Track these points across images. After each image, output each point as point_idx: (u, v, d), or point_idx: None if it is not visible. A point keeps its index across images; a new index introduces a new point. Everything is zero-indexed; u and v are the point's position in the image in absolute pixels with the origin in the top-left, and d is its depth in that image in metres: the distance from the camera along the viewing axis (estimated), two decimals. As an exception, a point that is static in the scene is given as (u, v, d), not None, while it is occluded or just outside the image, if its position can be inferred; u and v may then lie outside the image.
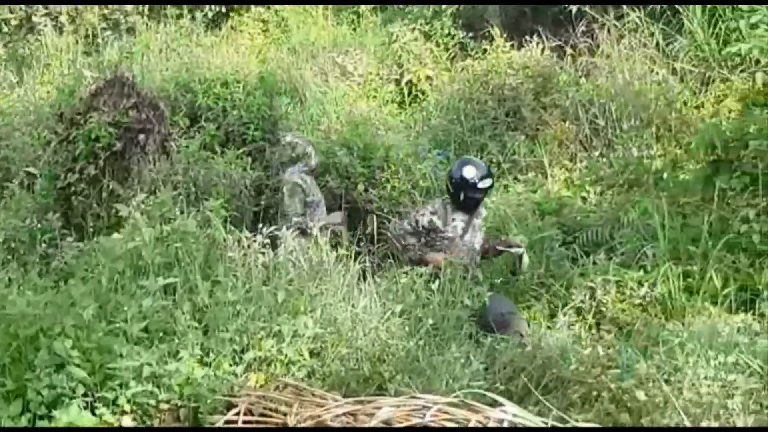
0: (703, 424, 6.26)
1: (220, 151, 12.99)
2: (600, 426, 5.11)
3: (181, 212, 9.57)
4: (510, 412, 4.98)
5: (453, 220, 9.83)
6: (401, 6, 18.85)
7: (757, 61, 11.67)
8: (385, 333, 8.52)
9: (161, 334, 7.55)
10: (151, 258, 8.48)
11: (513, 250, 9.83)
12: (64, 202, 12.37)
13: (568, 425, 4.94)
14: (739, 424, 6.28)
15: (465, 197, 9.72)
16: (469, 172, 9.65)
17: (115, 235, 9.07)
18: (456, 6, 17.57)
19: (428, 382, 7.73)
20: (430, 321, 8.91)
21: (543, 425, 4.94)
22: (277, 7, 20.17)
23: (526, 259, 9.86)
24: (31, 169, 13.14)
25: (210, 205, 9.91)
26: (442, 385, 7.61)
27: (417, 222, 10.01)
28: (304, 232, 10.89)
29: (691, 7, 13.78)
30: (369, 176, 12.76)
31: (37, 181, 12.97)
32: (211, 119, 13.95)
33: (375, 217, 12.05)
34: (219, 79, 14.61)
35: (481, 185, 9.64)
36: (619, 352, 7.65)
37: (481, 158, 13.18)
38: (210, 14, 19.59)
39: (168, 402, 6.69)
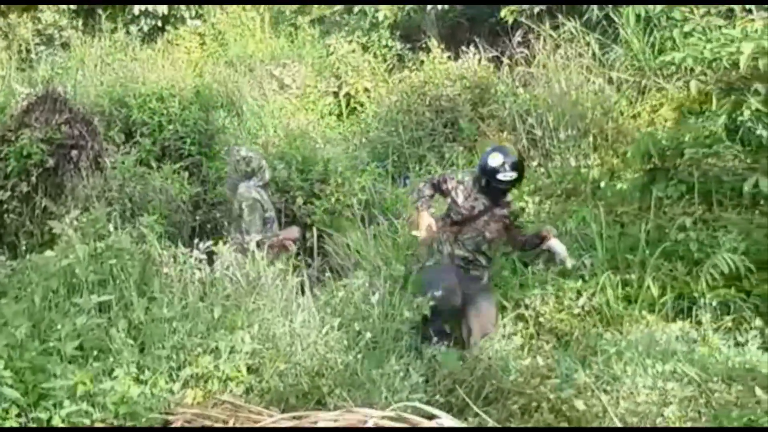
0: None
1: (156, 166, 12.96)
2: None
3: (116, 228, 9.48)
4: (446, 425, 4.98)
5: (475, 199, 9.31)
6: (339, 18, 18.86)
7: (692, 70, 11.75)
8: (324, 347, 8.50)
9: (96, 352, 7.46)
10: (85, 275, 8.41)
11: (551, 248, 9.57)
12: (-5, 220, 12.21)
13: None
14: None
15: (488, 184, 9.20)
16: (494, 161, 9.11)
17: (49, 253, 8.99)
18: (393, 17, 17.61)
19: (367, 395, 7.71)
20: (369, 334, 8.89)
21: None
22: (214, 19, 20.15)
23: (561, 249, 9.57)
24: (-40, 186, 12.97)
25: (145, 221, 9.86)
26: (381, 398, 7.60)
27: (444, 180, 9.54)
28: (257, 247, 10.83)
29: (626, 16, 13.88)
30: (308, 189, 12.75)
31: (-32, 200, 12.78)
32: (146, 134, 13.92)
33: (315, 230, 12.06)
34: (154, 94, 14.57)
35: (501, 176, 9.06)
36: (558, 362, 7.69)
37: (420, 170, 13.19)
38: (146, 28, 19.52)
39: (103, 421, 6.61)
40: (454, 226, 9.32)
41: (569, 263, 9.59)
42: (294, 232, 11.04)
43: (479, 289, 9.33)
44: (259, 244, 10.18)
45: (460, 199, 9.34)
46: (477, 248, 9.34)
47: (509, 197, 9.56)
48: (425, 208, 9.46)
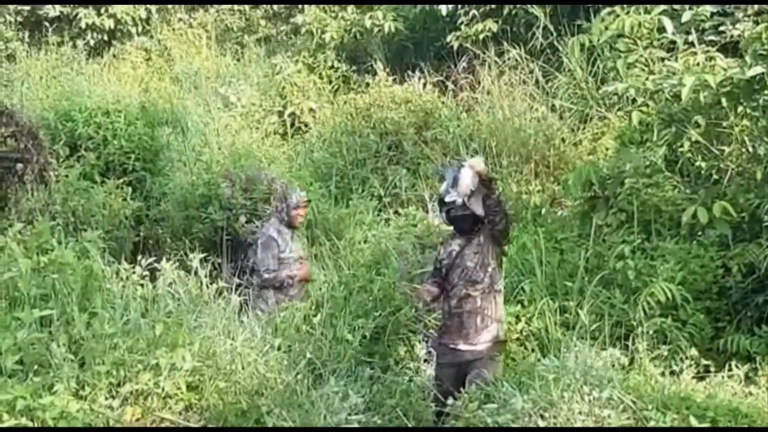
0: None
1: (100, 181, 12.94)
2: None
3: (59, 243, 9.49)
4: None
5: (450, 245, 8.64)
6: (285, 38, 18.88)
7: (634, 100, 11.85)
8: (264, 367, 8.51)
9: (36, 367, 7.44)
10: (27, 289, 8.38)
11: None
12: (-63, 232, 12.10)
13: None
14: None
15: (447, 216, 8.54)
16: (442, 186, 8.50)
17: (-10, 266, 8.94)
18: (340, 39, 17.65)
19: (306, 415, 7.72)
20: (309, 355, 8.91)
21: None
22: (160, 36, 20.12)
23: (465, 177, 8.24)
24: None
25: (88, 236, 9.83)
26: (320, 419, 7.61)
27: (435, 258, 8.92)
28: (277, 288, 10.75)
29: (570, 45, 13.99)
30: (251, 208, 12.74)
31: None
32: (91, 148, 13.90)
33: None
34: (100, 108, 14.56)
35: (447, 198, 8.34)
36: (496, 386, 7.73)
37: (362, 191, 13.22)
38: (92, 42, 19.45)
39: (41, 436, 6.59)
40: (446, 281, 8.59)
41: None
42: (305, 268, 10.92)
43: (477, 358, 8.40)
44: (291, 279, 10.27)
45: (440, 255, 8.75)
46: (467, 282, 8.42)
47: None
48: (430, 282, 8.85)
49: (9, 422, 6.52)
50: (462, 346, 8.40)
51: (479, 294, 8.40)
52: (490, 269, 8.43)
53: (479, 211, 8.34)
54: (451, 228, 8.84)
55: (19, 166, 12.56)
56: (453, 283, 8.51)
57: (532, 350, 9.09)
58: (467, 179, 8.24)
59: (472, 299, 8.39)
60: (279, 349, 8.96)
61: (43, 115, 14.38)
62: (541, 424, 6.71)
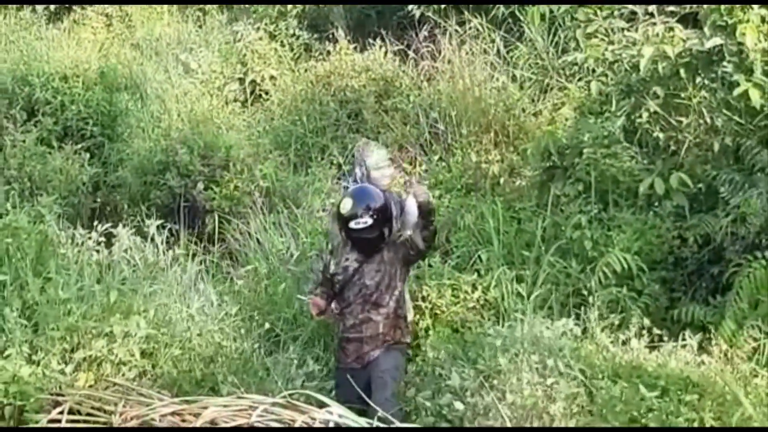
0: (524, 425, 6.42)
1: (57, 146, 12.89)
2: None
3: (14, 207, 9.46)
4: (336, 413, 5.05)
5: (346, 260, 8.07)
6: (247, 5, 18.77)
7: (593, 71, 11.88)
8: (220, 334, 8.53)
9: (-12, 331, 7.45)
10: (-21, 253, 8.37)
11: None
12: None
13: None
14: (560, 424, 6.45)
15: (346, 234, 7.99)
16: (344, 207, 7.89)
17: (-56, 230, 8.92)
18: (301, 6, 17.57)
19: (261, 383, 7.75)
20: (267, 324, 8.94)
21: (367, 425, 5.01)
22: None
23: (410, 212, 7.94)
24: None
25: (44, 201, 9.81)
26: (276, 386, 7.63)
27: (322, 267, 8.44)
28: None
29: (531, 15, 13.97)
30: (209, 175, 12.73)
31: None
32: (48, 113, 13.83)
33: (216, 216, 12.08)
34: (58, 73, 14.51)
35: (353, 224, 7.83)
36: (444, 359, 7.80)
37: (322, 159, 13.21)
38: (52, 7, 19.29)
39: (-7, 399, 6.59)
40: (340, 296, 8.11)
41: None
42: None
43: (379, 359, 7.91)
44: None
45: (332, 267, 8.20)
46: (366, 302, 7.96)
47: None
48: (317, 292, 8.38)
49: (-40, 385, 6.53)
50: (360, 368, 7.86)
51: (382, 319, 7.91)
52: (396, 293, 7.98)
53: (419, 243, 7.99)
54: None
55: (-26, 129, 12.58)
56: (348, 301, 8.02)
57: (488, 319, 9.11)
58: (413, 212, 7.94)
59: (374, 324, 7.89)
60: (236, 316, 8.99)
61: (0, 79, 14.27)
62: (490, 395, 6.75)
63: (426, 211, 7.89)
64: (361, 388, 7.26)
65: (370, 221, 7.76)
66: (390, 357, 7.88)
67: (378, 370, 7.74)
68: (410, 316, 8.52)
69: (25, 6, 18.59)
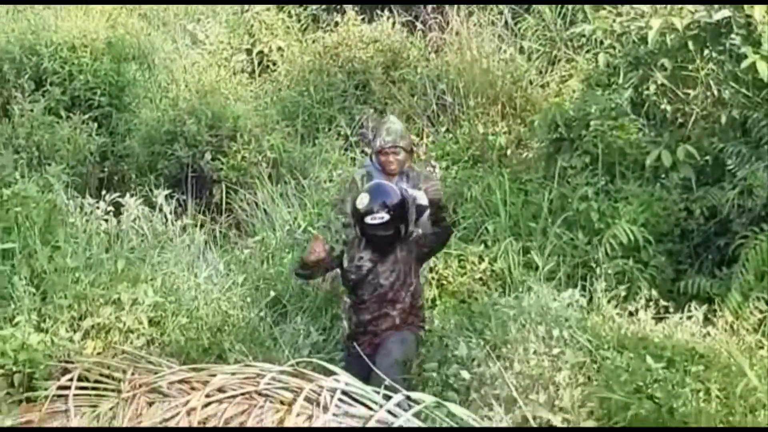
0: (533, 396, 6.43)
1: (65, 116, 12.89)
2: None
3: (22, 176, 9.48)
4: (343, 381, 5.06)
5: (360, 259, 7.84)
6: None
7: (601, 43, 11.89)
8: (227, 303, 8.56)
9: (-2, 299, 7.48)
10: (-11, 222, 8.40)
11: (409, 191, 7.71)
12: None
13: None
14: (567, 396, 6.46)
15: (362, 232, 7.78)
16: (361, 202, 7.66)
17: (-48, 199, 8.95)
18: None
19: (268, 352, 7.77)
20: (272, 293, 8.96)
21: (375, 394, 5.02)
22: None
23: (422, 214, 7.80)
24: None
25: (52, 170, 9.84)
26: (282, 356, 7.65)
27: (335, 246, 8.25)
28: None
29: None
30: (217, 145, 12.74)
31: None
32: (56, 83, 13.82)
33: (223, 186, 12.10)
34: (66, 43, 14.46)
35: (369, 220, 7.61)
36: (451, 329, 7.81)
37: (329, 130, 13.21)
38: (60, -24, 19.25)
39: (2, 367, 6.61)
40: (353, 293, 7.94)
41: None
42: None
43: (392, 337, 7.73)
44: None
45: (346, 263, 7.96)
46: (382, 300, 7.78)
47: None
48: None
49: (-32, 351, 6.56)
50: (370, 351, 7.49)
51: (398, 314, 7.77)
52: (411, 288, 7.83)
53: (431, 240, 7.99)
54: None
55: (-18, 98, 12.64)
56: (363, 299, 7.85)
57: (495, 290, 9.13)
58: (424, 211, 7.86)
59: (390, 318, 7.76)
60: (243, 286, 9.02)
61: (8, 48, 14.25)
62: (497, 365, 6.76)
63: (436, 208, 7.90)
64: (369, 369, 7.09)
65: (386, 217, 7.58)
66: (399, 333, 7.78)
67: (387, 341, 7.66)
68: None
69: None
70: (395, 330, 7.73)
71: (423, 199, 7.53)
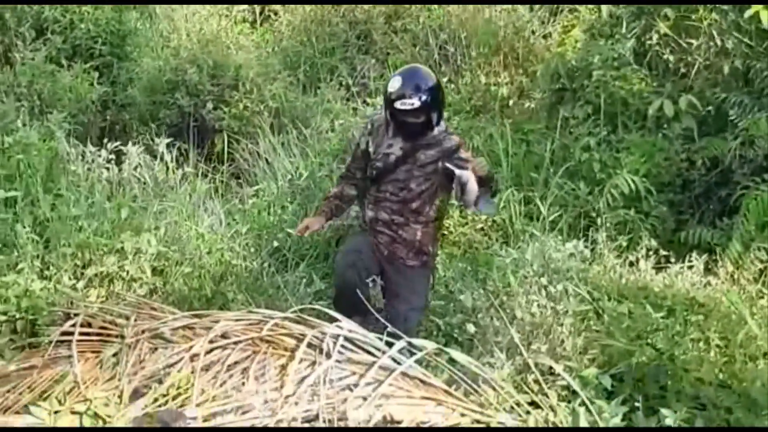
0: (535, 344, 6.47)
1: (66, 65, 12.85)
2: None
3: (24, 124, 9.47)
4: (346, 328, 5.08)
5: (389, 146, 7.06)
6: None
7: (604, -8, 11.93)
8: (229, 253, 8.58)
9: (0, 247, 7.49)
10: (-9, 169, 8.43)
11: (457, 172, 6.71)
12: None
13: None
14: (569, 344, 6.50)
15: (393, 118, 6.97)
16: (392, 86, 6.93)
17: (-45, 146, 8.98)
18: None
19: (271, 301, 7.80)
20: (275, 243, 8.98)
21: (377, 340, 5.04)
22: None
23: (471, 191, 6.71)
24: None
25: (54, 118, 9.84)
26: (285, 304, 7.66)
27: (356, 145, 7.41)
28: None
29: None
30: (218, 95, 12.74)
31: None
32: (57, 32, 13.74)
33: (225, 135, 12.10)
34: (67, -9, 14.39)
35: (399, 105, 6.84)
36: (454, 279, 7.83)
37: (331, 80, 13.20)
38: (60, -76, 19.15)
39: (5, 313, 6.63)
40: (374, 185, 7.12)
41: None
42: None
43: (405, 270, 7.12)
44: None
45: (372, 151, 7.16)
46: (405, 206, 7.03)
47: (438, 131, 7.05)
48: (331, 205, 7.36)
49: (-29, 297, 6.59)
50: (387, 254, 7.06)
51: (421, 227, 7.06)
52: (436, 203, 7.08)
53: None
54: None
55: (-17, 46, 12.66)
56: (384, 194, 7.09)
57: (496, 240, 9.15)
58: (473, 190, 6.74)
59: (412, 230, 7.04)
60: (245, 235, 9.04)
61: (9, -4, 14.26)
62: (496, 321, 6.79)
63: (487, 180, 7.03)
64: (376, 272, 6.99)
65: (417, 103, 6.82)
66: (425, 275, 7.24)
67: (411, 284, 7.10)
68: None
69: None
70: (417, 253, 7.09)
71: (473, 184, 6.97)
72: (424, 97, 6.79)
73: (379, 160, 7.05)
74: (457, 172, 6.59)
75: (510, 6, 13.80)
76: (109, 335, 5.47)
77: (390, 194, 6.99)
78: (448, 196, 7.04)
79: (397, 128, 7.00)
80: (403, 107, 6.82)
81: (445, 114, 11.10)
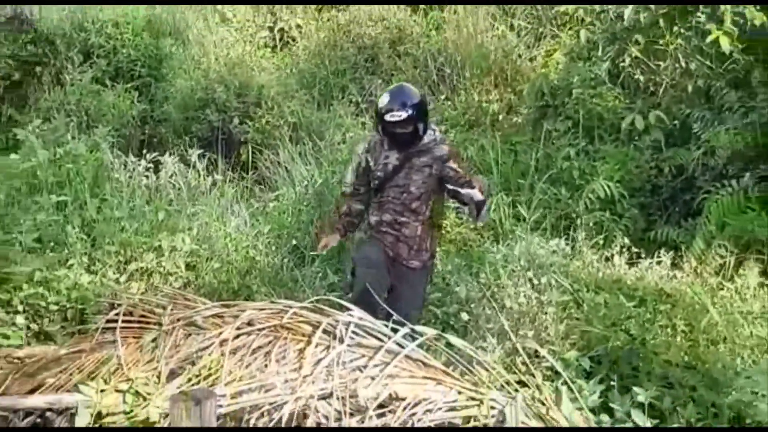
0: (522, 330, 6.47)
1: (110, 85, 12.91)
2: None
3: (73, 137, 9.52)
4: (356, 316, 5.09)
5: (386, 157, 7.03)
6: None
7: (582, 20, 11.94)
8: (253, 250, 8.60)
9: (53, 245, 7.53)
10: (45, 177, 8.51)
11: (464, 191, 6.58)
12: (-35, 126, 12.35)
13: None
14: (552, 330, 6.50)
15: (384, 131, 6.96)
16: (381, 101, 6.95)
17: (13, 156, 9.04)
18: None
19: (290, 292, 7.79)
20: (293, 241, 8.99)
21: (384, 327, 5.05)
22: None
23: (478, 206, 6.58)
24: (-65, 97, 13.07)
25: (99, 132, 9.89)
26: (303, 295, 7.66)
27: (358, 163, 7.30)
28: None
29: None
30: (243, 111, 12.74)
31: (-58, 109, 12.92)
32: (102, 56, 13.83)
33: (249, 146, 12.12)
34: (111, 21, 14.45)
35: (388, 117, 6.80)
36: (451, 272, 7.83)
37: (342, 98, 13.19)
38: (104, -39, 19.19)
39: (57, 304, 6.66)
40: (377, 193, 7.09)
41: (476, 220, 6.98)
42: None
43: (408, 273, 6.97)
44: None
45: (372, 164, 7.11)
46: (406, 207, 6.97)
47: (429, 139, 7.00)
48: (336, 221, 7.36)
49: (28, 291, 6.59)
50: (392, 255, 6.95)
51: (420, 224, 6.96)
52: (431, 203, 7.00)
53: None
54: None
55: (38, 69, 12.71)
56: (388, 199, 7.04)
57: (488, 238, 9.15)
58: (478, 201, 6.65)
59: (413, 227, 6.96)
60: (267, 235, 9.05)
61: (60, 25, 14.25)
62: (488, 310, 6.80)
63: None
64: (389, 282, 6.83)
65: (404, 115, 6.78)
66: (425, 276, 7.12)
67: (411, 285, 6.97)
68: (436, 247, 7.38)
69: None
70: (418, 250, 6.97)
71: (478, 195, 6.91)
72: (410, 110, 6.77)
73: (380, 170, 7.01)
74: (463, 191, 6.50)
75: (499, 32, 13.82)
76: (148, 323, 5.48)
77: (392, 198, 6.94)
78: (441, 198, 7.00)
79: (390, 140, 6.99)
80: (392, 119, 6.79)
81: (443, 127, 11.24)
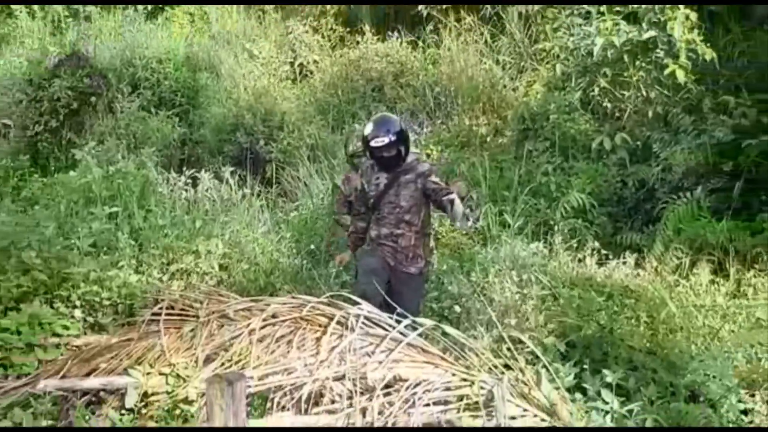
0: (507, 320, 6.46)
1: (154, 112, 12.94)
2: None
3: (123, 157, 9.55)
4: (365, 309, 5.09)
5: (377, 178, 6.94)
6: (296, 6, 18.61)
7: (558, 56, 11.96)
8: (277, 253, 8.59)
9: (106, 249, 7.54)
10: (99, 191, 8.55)
11: (445, 198, 6.39)
12: (32, 147, 12.69)
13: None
14: (533, 320, 6.50)
15: (371, 156, 6.90)
16: (366, 129, 6.94)
17: (72, 173, 9.15)
18: (338, 7, 17.44)
19: (308, 289, 7.78)
20: (312, 246, 8.97)
21: (389, 319, 5.04)
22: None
23: (458, 207, 6.40)
24: (6, 121, 13.13)
25: (145, 152, 9.90)
26: (319, 291, 7.64)
27: (347, 180, 7.85)
28: None
29: (510, 14, 14.02)
30: (268, 134, 12.74)
31: (11, 131, 13.17)
32: (147, 87, 13.88)
33: (273, 164, 12.14)
34: (155, 57, 14.51)
35: (372, 143, 6.75)
36: (445, 272, 7.82)
37: (353, 122, 13.18)
38: (149, 6, 19.22)
39: (109, 299, 6.66)
40: (374, 211, 6.99)
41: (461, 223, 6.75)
42: None
43: (407, 278, 6.85)
44: None
45: (366, 185, 7.08)
46: (400, 220, 6.86)
47: (411, 159, 6.93)
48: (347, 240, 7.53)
49: (85, 288, 6.59)
50: (393, 264, 6.83)
51: (413, 234, 6.84)
52: (422, 215, 6.88)
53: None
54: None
55: (93, 98, 12.80)
56: (383, 214, 6.95)
57: (477, 242, 9.13)
58: (460, 208, 6.49)
59: (407, 237, 6.86)
60: (289, 240, 9.05)
61: (111, 61, 14.33)
62: (477, 304, 6.80)
63: (464, 199, 6.68)
64: (381, 279, 6.68)
65: (387, 140, 6.70)
66: (421, 285, 7.06)
67: (410, 288, 6.88)
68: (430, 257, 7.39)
69: (128, 6, 18.52)
70: (413, 257, 6.85)
71: (457, 197, 6.81)
72: (392, 136, 6.71)
73: (372, 190, 6.95)
74: (444, 199, 6.31)
75: (487, 66, 13.84)
76: (187, 315, 5.48)
77: (387, 213, 6.86)
78: (428, 209, 6.91)
79: (378, 163, 6.91)
80: (376, 144, 6.73)
81: (438, 147, 11.24)
